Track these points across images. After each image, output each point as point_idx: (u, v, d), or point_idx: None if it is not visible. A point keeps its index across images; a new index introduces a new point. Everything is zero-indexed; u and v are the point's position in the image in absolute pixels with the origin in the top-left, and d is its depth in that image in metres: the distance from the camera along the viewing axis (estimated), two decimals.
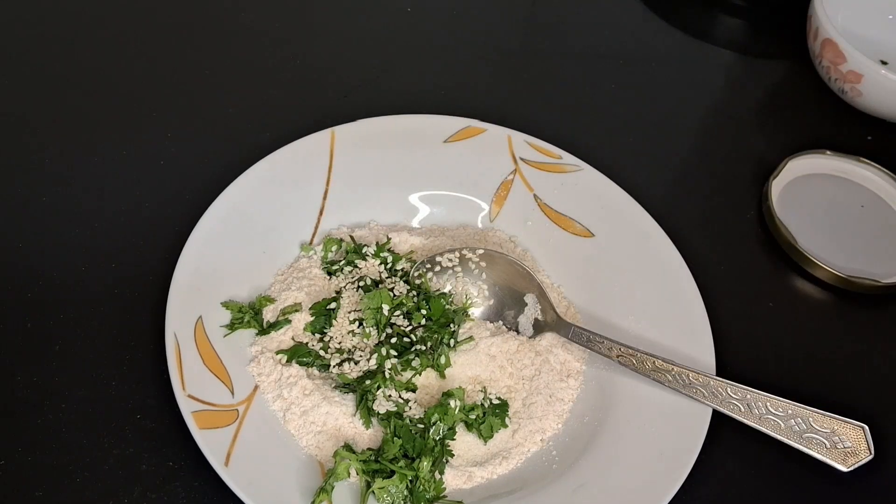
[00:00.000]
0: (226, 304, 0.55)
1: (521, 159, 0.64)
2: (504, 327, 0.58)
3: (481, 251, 0.59)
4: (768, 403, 0.52)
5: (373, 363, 0.54)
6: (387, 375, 0.53)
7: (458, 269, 0.58)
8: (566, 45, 0.79)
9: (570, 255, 0.61)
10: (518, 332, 0.58)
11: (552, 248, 0.62)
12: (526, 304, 0.58)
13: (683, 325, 0.57)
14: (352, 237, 0.60)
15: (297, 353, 0.54)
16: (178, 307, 0.54)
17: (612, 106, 0.74)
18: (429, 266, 0.58)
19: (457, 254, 0.58)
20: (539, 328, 0.57)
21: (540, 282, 0.58)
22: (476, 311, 0.58)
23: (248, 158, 0.61)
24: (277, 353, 0.54)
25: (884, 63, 0.72)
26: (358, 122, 0.64)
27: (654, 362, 0.54)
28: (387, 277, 0.58)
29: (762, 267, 0.65)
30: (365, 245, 0.60)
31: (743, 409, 0.52)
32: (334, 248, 0.60)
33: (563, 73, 0.76)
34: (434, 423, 0.52)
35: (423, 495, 0.49)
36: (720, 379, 0.53)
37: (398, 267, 0.59)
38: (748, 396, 0.52)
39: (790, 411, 0.52)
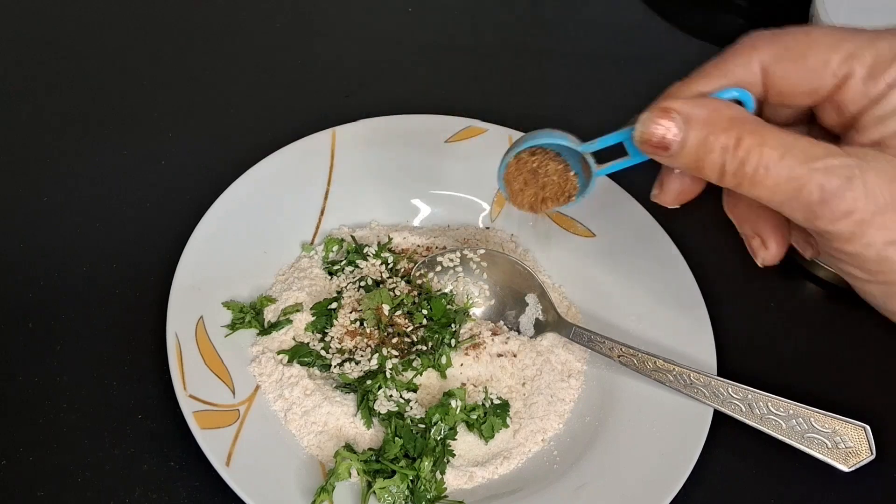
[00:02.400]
0: (227, 304, 0.55)
1: None
2: (505, 327, 0.58)
3: (482, 251, 0.59)
4: (769, 403, 0.52)
5: (374, 363, 0.54)
6: (388, 375, 0.53)
7: (460, 269, 0.58)
8: (567, 45, 0.79)
9: (571, 255, 0.61)
10: (519, 332, 0.57)
11: (553, 249, 0.62)
12: (527, 305, 0.58)
13: (685, 324, 0.57)
14: (353, 237, 0.60)
15: (298, 353, 0.54)
16: (179, 307, 0.54)
17: (613, 106, 0.74)
18: (430, 266, 0.58)
19: (458, 254, 0.58)
20: (540, 328, 0.57)
21: (541, 282, 0.58)
22: (477, 311, 0.58)
23: (249, 158, 0.61)
24: (278, 353, 0.54)
25: None
26: (359, 121, 0.64)
27: (655, 362, 0.54)
28: (388, 277, 0.58)
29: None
30: (366, 245, 0.60)
31: (744, 410, 0.52)
32: (335, 247, 0.60)
33: (564, 73, 0.76)
34: (435, 423, 0.52)
35: (424, 495, 0.49)
36: (721, 379, 0.53)
37: (399, 267, 0.59)
38: (749, 396, 0.52)
39: (791, 411, 0.52)
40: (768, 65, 0.42)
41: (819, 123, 0.44)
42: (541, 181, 0.47)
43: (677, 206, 0.46)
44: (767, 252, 0.45)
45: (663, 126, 0.40)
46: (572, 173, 0.47)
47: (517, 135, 0.65)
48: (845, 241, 0.39)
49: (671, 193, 0.45)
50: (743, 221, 0.46)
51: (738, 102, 0.42)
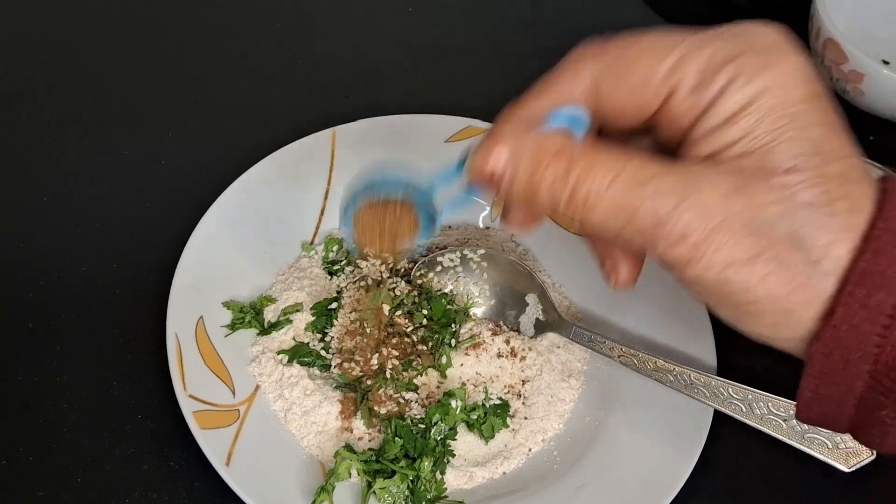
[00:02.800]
0: (227, 304, 0.55)
1: None
2: (505, 327, 0.58)
3: (482, 251, 0.58)
4: (770, 403, 0.52)
5: (374, 363, 0.54)
6: (388, 375, 0.53)
7: (460, 269, 0.58)
8: (567, 45, 0.79)
9: (571, 254, 0.61)
10: (519, 332, 0.57)
11: (553, 248, 0.62)
12: (527, 305, 0.58)
13: (685, 324, 0.57)
14: None
15: (298, 353, 0.54)
16: (179, 307, 0.54)
17: None
18: (430, 266, 0.58)
19: (458, 254, 0.58)
20: (540, 328, 0.57)
21: (541, 282, 0.58)
22: (477, 311, 0.58)
23: (249, 158, 0.61)
24: (278, 353, 0.54)
25: (885, 63, 0.72)
26: (359, 121, 0.64)
27: (655, 362, 0.54)
28: (388, 277, 0.58)
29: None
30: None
31: (744, 410, 0.52)
32: (335, 247, 0.60)
33: None
34: (435, 423, 0.52)
35: (424, 495, 0.49)
36: (721, 379, 0.53)
37: (399, 267, 0.59)
38: (750, 396, 0.52)
39: (791, 412, 0.52)
40: (596, 79, 0.39)
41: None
42: (384, 224, 0.46)
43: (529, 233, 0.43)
44: (619, 275, 0.43)
45: (492, 158, 0.38)
46: (413, 212, 0.45)
47: None
48: (685, 266, 0.36)
49: (515, 222, 0.43)
50: (595, 244, 0.44)
51: (574, 122, 0.39)
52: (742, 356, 0.58)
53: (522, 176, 0.37)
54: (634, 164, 0.36)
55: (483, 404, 0.53)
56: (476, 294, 0.58)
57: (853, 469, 0.51)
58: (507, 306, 0.58)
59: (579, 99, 0.39)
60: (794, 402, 0.52)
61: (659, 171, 0.36)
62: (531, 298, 0.58)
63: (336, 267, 0.59)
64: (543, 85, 0.40)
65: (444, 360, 0.55)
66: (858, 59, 0.68)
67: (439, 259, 0.58)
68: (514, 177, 0.38)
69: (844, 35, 0.69)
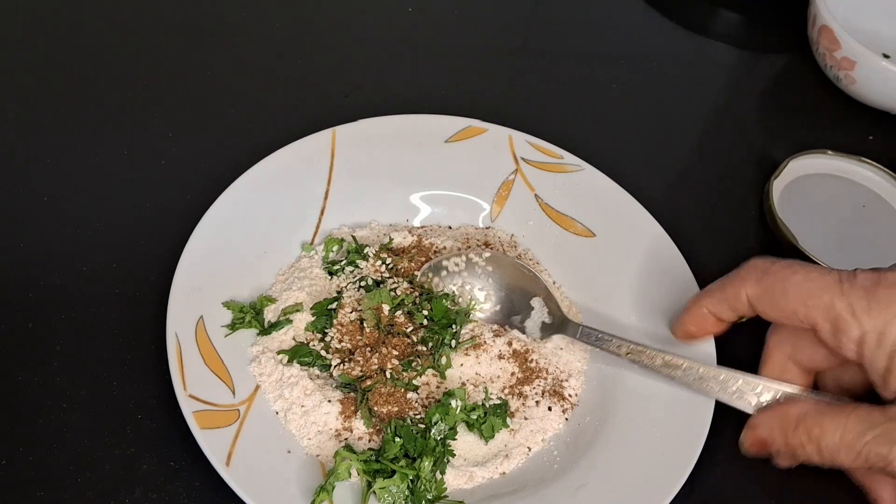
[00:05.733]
0: (227, 304, 0.55)
1: (523, 159, 0.64)
2: (508, 329, 0.57)
3: (488, 254, 0.58)
4: (779, 395, 0.52)
5: (374, 363, 0.54)
6: (388, 375, 0.53)
7: (465, 273, 0.58)
8: (567, 45, 0.79)
9: (571, 254, 0.61)
10: (525, 334, 0.57)
11: (553, 248, 0.62)
12: (533, 308, 0.58)
13: None
14: (353, 237, 0.60)
15: (298, 353, 0.54)
16: (179, 307, 0.54)
17: (613, 105, 0.74)
18: (435, 271, 0.58)
19: (463, 258, 0.58)
20: (547, 331, 0.57)
21: (546, 284, 0.58)
22: (482, 316, 0.58)
23: (250, 158, 0.61)
24: (278, 353, 0.54)
25: (886, 56, 0.72)
26: (359, 121, 0.64)
27: (663, 358, 0.53)
28: (388, 277, 0.58)
29: None
30: (366, 245, 0.60)
31: (754, 403, 0.52)
32: (335, 247, 0.60)
33: (564, 73, 0.76)
34: (435, 423, 0.52)
35: (424, 495, 0.49)
36: (731, 370, 0.52)
37: (400, 267, 0.59)
38: (760, 388, 0.52)
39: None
40: (752, 299, 0.50)
41: None
42: None
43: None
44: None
45: (750, 438, 0.51)
46: None
47: (517, 134, 0.65)
48: None
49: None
50: (853, 475, 0.51)
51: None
52: (742, 356, 0.58)
53: (780, 444, 0.49)
54: (853, 418, 0.47)
55: (483, 404, 0.53)
56: (481, 300, 0.58)
57: None
58: (513, 311, 0.58)
59: (741, 306, 0.51)
60: (805, 390, 0.52)
61: (874, 421, 0.46)
62: (537, 302, 0.58)
63: (336, 267, 0.59)
64: (717, 287, 0.52)
65: (443, 360, 0.55)
66: (850, 46, 0.68)
67: (444, 263, 0.58)
68: (774, 443, 0.50)
69: (845, 27, 0.69)
